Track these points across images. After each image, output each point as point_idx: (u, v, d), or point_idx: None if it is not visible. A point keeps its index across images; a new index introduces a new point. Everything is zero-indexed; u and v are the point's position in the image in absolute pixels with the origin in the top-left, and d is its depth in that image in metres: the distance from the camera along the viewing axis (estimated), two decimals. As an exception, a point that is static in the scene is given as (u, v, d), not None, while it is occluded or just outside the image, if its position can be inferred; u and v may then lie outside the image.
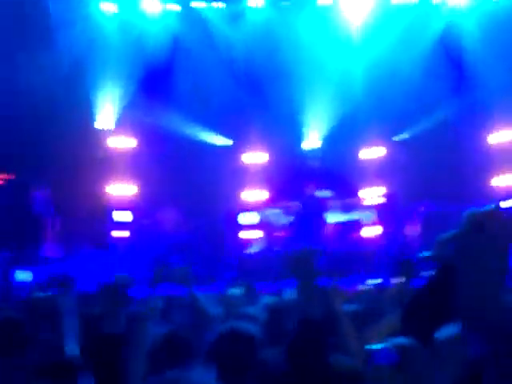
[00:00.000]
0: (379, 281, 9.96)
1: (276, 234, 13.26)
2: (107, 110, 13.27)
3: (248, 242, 13.18)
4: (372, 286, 7.56)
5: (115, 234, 12.44)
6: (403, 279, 6.80)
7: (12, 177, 11.92)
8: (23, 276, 9.93)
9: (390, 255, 11.65)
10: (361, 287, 7.42)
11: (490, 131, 13.32)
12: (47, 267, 10.49)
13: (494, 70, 12.87)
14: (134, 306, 2.90)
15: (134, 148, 13.46)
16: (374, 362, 2.80)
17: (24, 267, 10.16)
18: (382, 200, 13.45)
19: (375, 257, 12.10)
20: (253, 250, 13.10)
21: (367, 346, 3.29)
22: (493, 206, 1.09)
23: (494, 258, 1.06)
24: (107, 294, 2.31)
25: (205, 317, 4.26)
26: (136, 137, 13.43)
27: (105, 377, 2.15)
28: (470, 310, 1.04)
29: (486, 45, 13.01)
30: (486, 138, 13.37)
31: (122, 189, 13.18)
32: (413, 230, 12.94)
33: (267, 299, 5.24)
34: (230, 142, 14.12)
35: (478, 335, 1.03)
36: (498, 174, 13.14)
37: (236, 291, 5.96)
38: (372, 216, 13.16)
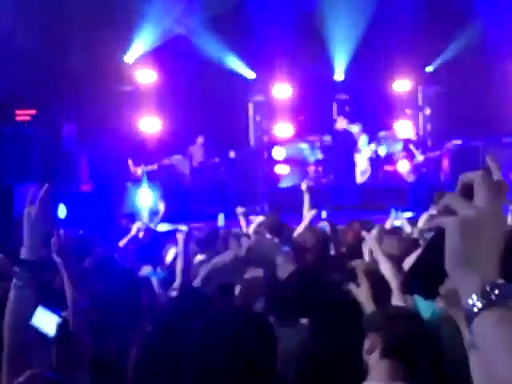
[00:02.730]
0: (411, 214, 9.95)
1: (307, 168, 13.22)
2: (136, 44, 13.07)
3: (279, 177, 13.18)
4: (406, 220, 7.52)
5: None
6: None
7: (38, 112, 11.87)
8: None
9: (422, 190, 11.58)
10: (394, 221, 7.41)
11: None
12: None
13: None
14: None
15: (159, 81, 13.34)
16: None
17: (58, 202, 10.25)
18: (412, 134, 13.26)
19: (407, 191, 12.02)
20: (284, 184, 13.11)
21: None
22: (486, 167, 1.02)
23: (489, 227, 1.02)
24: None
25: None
26: (161, 70, 13.29)
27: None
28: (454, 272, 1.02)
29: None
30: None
31: (149, 124, 13.14)
32: (442, 165, 12.80)
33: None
34: (253, 75, 13.89)
35: None
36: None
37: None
38: (402, 150, 13.02)
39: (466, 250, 1.00)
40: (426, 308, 3.18)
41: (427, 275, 1.12)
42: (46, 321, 2.12)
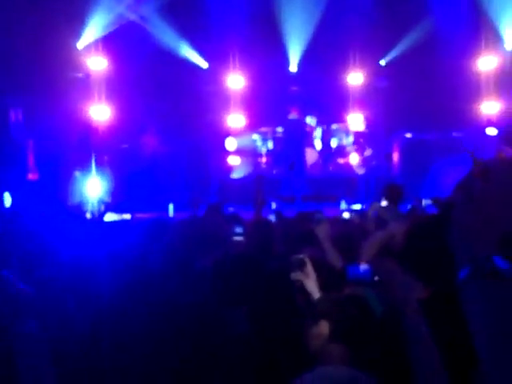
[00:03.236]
0: (360, 206, 10.08)
1: (258, 159, 13.22)
2: (87, 30, 12.79)
3: (230, 168, 13.13)
4: (354, 211, 7.60)
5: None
6: (389, 203, 6.90)
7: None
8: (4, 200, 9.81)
9: (372, 182, 11.73)
10: (344, 213, 7.48)
11: (475, 57, 13.11)
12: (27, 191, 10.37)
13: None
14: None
15: (111, 69, 13.09)
16: (348, 278, 3.00)
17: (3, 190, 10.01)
18: (363, 127, 13.39)
19: (357, 183, 12.15)
20: (235, 175, 13.07)
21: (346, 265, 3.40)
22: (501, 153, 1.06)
23: (497, 206, 1.03)
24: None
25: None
26: (112, 57, 13.04)
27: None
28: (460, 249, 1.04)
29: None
30: (471, 64, 13.15)
31: (99, 111, 12.90)
32: (393, 158, 12.98)
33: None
34: (206, 65, 13.78)
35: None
36: (482, 101, 13.01)
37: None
38: (353, 142, 13.14)
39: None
40: (375, 302, 3.22)
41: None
42: None
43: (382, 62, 13.85)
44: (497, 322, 0.97)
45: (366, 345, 2.52)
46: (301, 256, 3.53)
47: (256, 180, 6.09)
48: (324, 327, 2.51)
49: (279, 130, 12.91)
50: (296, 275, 3.30)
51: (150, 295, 2.82)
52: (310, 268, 3.32)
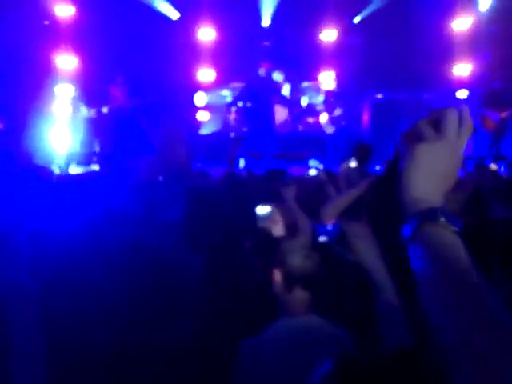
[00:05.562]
0: (321, 166, 10.07)
1: (227, 115, 13.05)
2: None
3: (199, 123, 12.95)
4: (320, 171, 7.60)
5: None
6: (357, 163, 6.92)
7: None
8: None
9: (341, 141, 11.71)
10: (310, 172, 7.48)
11: (449, 17, 13.01)
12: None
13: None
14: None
15: (78, 16, 12.68)
16: (317, 237, 3.12)
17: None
18: (334, 85, 13.28)
19: (326, 142, 12.11)
20: (204, 131, 12.92)
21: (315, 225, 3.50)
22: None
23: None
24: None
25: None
26: (80, 4, 12.61)
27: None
28: None
29: None
30: (445, 24, 13.03)
31: (65, 61, 12.55)
32: (363, 118, 12.95)
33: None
34: (177, 15, 13.45)
35: None
36: (454, 63, 12.97)
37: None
38: (323, 101, 13.05)
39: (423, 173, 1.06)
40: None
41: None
42: None
43: (356, 20, 13.70)
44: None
45: (324, 291, 2.57)
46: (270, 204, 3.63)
47: (236, 140, 6.09)
48: (277, 275, 2.54)
49: (249, 85, 12.71)
50: (264, 222, 3.41)
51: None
52: (277, 216, 3.44)
